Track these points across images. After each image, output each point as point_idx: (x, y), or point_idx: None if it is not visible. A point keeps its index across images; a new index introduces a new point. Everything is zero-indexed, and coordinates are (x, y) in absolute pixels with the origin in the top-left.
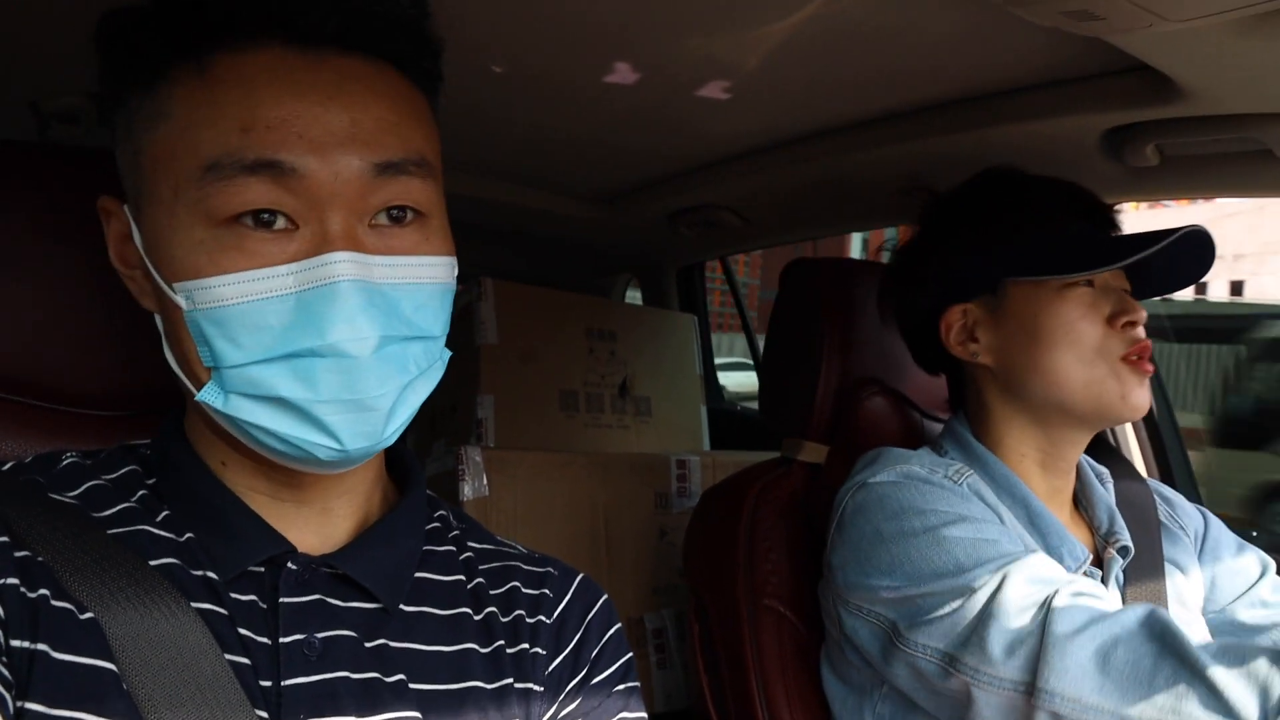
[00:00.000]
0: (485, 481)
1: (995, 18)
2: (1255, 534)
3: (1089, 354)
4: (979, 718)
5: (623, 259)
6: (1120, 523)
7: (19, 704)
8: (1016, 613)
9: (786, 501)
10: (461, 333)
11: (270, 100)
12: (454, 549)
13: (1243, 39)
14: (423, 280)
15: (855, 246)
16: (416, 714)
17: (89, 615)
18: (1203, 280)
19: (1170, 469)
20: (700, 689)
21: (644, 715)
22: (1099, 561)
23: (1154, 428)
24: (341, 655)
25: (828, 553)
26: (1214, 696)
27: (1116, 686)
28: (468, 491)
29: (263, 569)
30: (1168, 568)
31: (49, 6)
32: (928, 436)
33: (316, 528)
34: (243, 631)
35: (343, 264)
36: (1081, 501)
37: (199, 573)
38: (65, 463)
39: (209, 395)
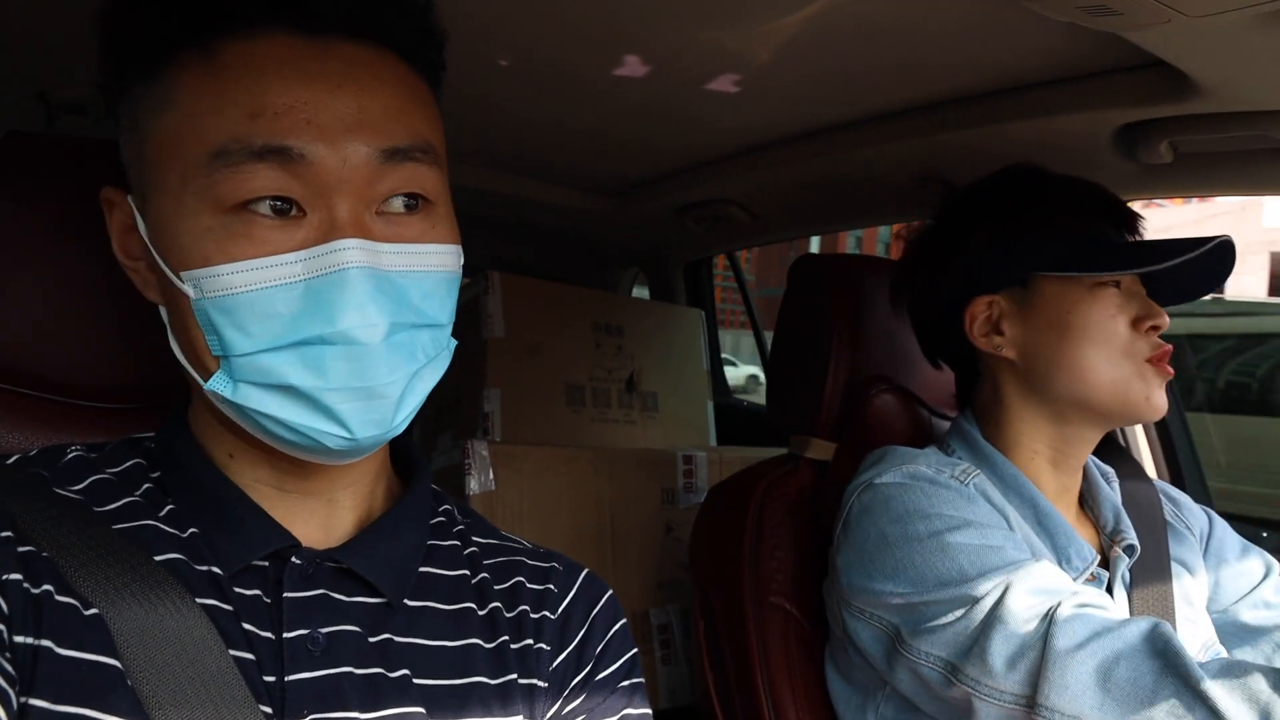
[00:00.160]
0: (491, 476)
1: (1010, 12)
2: (1265, 535)
3: (1117, 353)
4: None
5: (630, 253)
6: (1126, 521)
7: (23, 700)
8: (1019, 625)
9: (793, 498)
10: (468, 326)
11: (278, 87)
12: (458, 544)
13: (1261, 35)
14: (430, 268)
15: (849, 244)
16: (420, 709)
17: (93, 611)
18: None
19: (1180, 469)
20: (705, 685)
21: (648, 712)
22: (1105, 561)
23: (1164, 428)
24: (345, 650)
25: (833, 553)
26: (1214, 718)
27: (1117, 704)
28: (474, 486)
29: (267, 564)
30: (1174, 567)
31: None
32: (936, 434)
33: (321, 520)
34: (247, 626)
35: (352, 251)
36: (1087, 500)
37: (203, 568)
38: (70, 456)
39: (218, 384)
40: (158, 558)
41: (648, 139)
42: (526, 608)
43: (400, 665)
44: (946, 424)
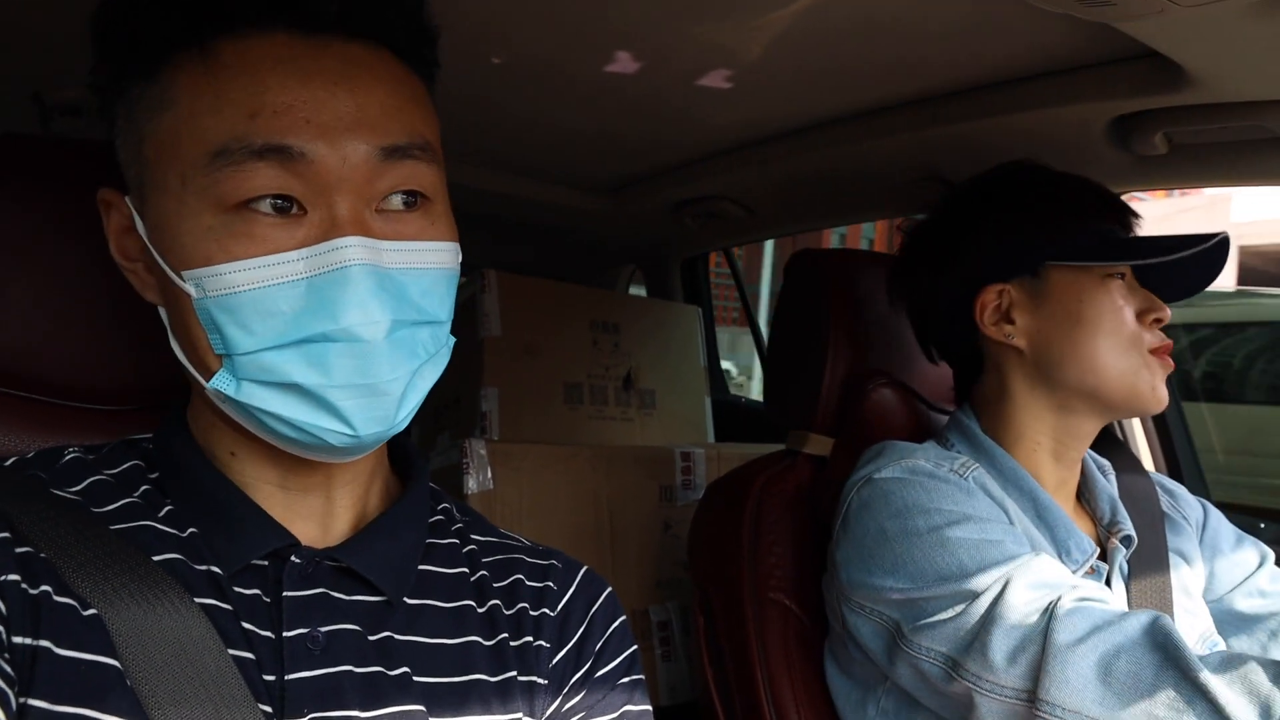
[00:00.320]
0: (490, 475)
1: (1004, 4)
2: (1263, 525)
3: (1125, 344)
4: None
5: (626, 251)
6: (1123, 512)
7: (21, 701)
8: (1019, 620)
9: (792, 494)
10: (465, 325)
11: (276, 86)
12: (457, 542)
13: (1255, 24)
14: (429, 265)
15: (832, 240)
16: (420, 707)
17: (92, 611)
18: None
19: (1178, 461)
20: (705, 682)
21: (648, 708)
22: (1103, 554)
23: (1162, 420)
24: (345, 649)
25: (832, 548)
26: (1214, 712)
27: (1118, 698)
28: (472, 485)
29: (266, 563)
30: (1172, 558)
31: None
32: (934, 429)
33: (320, 519)
34: (246, 626)
35: (353, 248)
36: (1084, 493)
37: (202, 567)
38: (67, 458)
39: (221, 383)
40: (156, 558)
41: (643, 136)
42: (526, 605)
43: (400, 663)
44: (944, 419)
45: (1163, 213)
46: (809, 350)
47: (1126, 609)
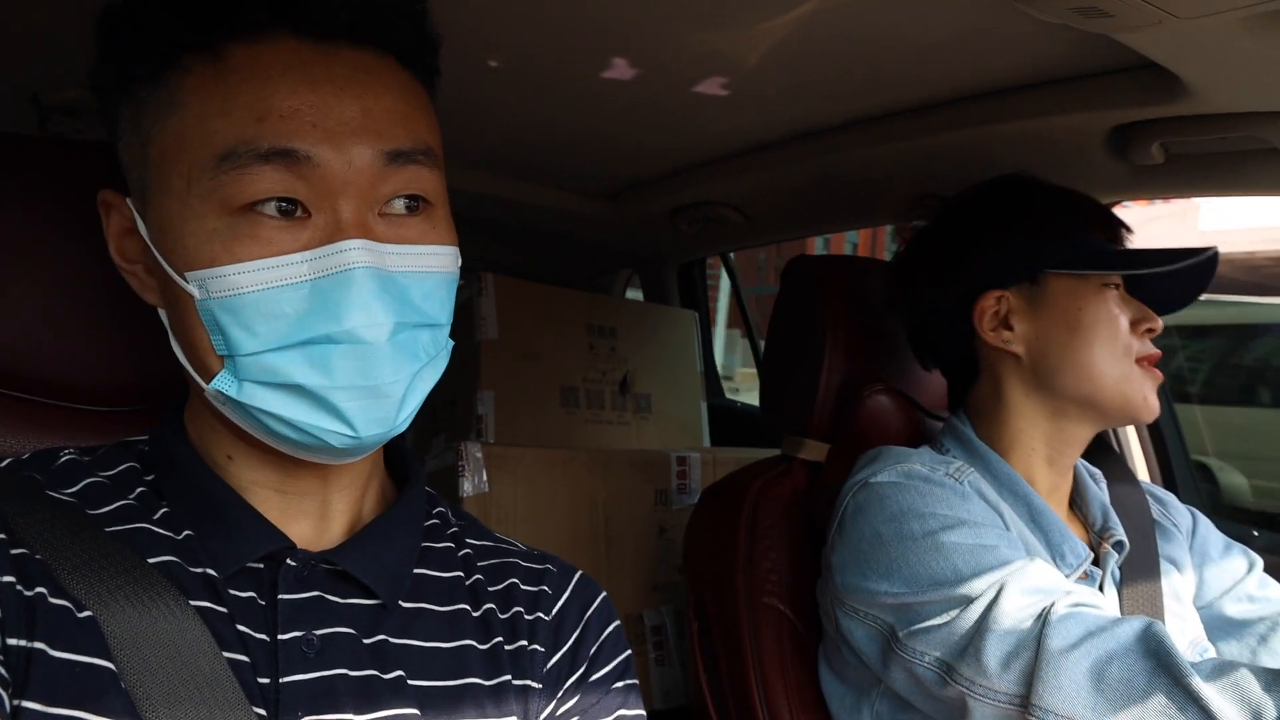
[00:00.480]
0: (485, 478)
1: (1002, 15)
2: (1256, 534)
3: (1120, 352)
4: None
5: (624, 255)
6: (1115, 519)
7: (16, 703)
8: (1013, 625)
9: (787, 499)
10: (462, 328)
11: (285, 90)
12: (452, 545)
13: (1251, 37)
14: (431, 269)
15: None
16: (415, 711)
17: (87, 613)
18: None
19: (1172, 470)
20: (699, 686)
21: (642, 713)
22: (1096, 559)
23: (1156, 429)
24: (340, 652)
25: (827, 552)
26: (1206, 719)
27: (1110, 705)
28: (468, 488)
29: (262, 566)
30: (1163, 564)
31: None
32: (929, 435)
33: (316, 522)
34: (241, 629)
35: (357, 251)
36: (1077, 500)
37: (198, 570)
38: (63, 459)
39: (222, 383)
40: (152, 560)
41: (640, 141)
42: (521, 609)
43: (395, 667)
44: (939, 425)
45: (1136, 220)
46: (805, 356)
47: (1119, 614)
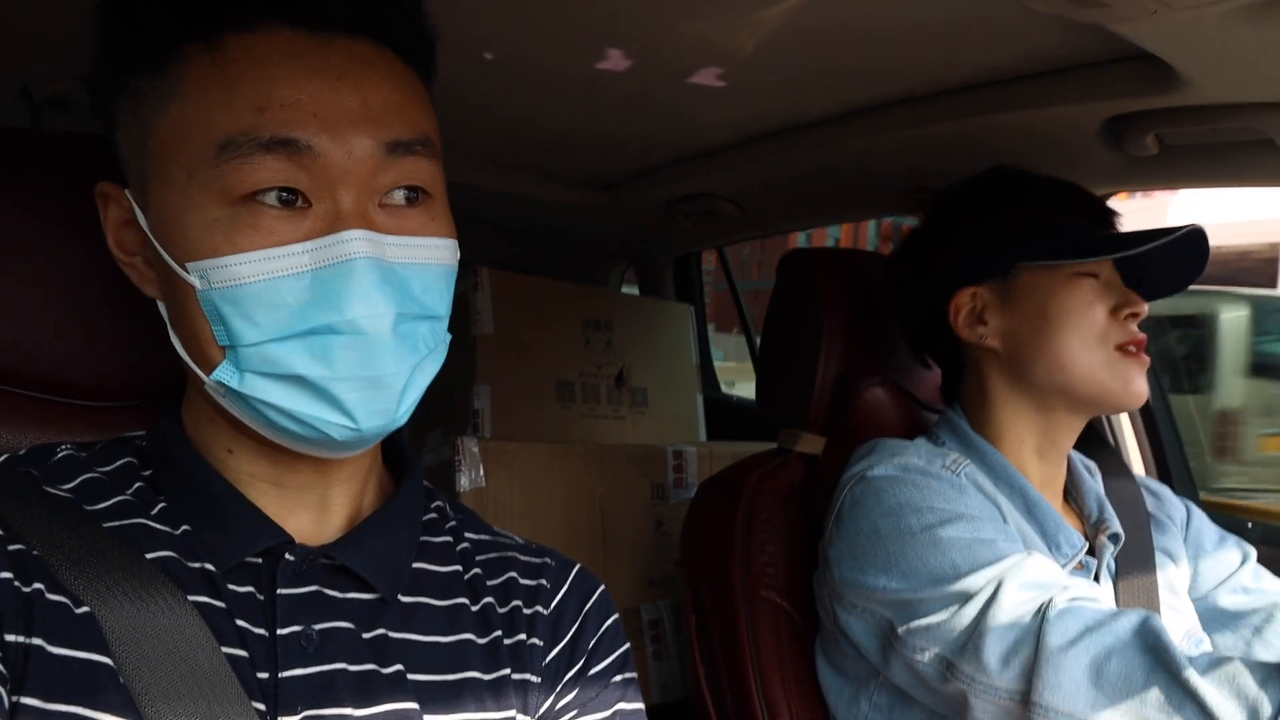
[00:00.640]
0: (482, 472)
1: (996, 5)
2: (1250, 525)
3: (1093, 340)
4: None
5: (619, 248)
6: (1110, 511)
7: (14, 698)
8: (1011, 621)
9: (784, 493)
10: (457, 322)
11: (284, 80)
12: (451, 539)
13: (1245, 27)
14: (430, 261)
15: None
16: (414, 705)
17: (85, 609)
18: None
19: (1166, 461)
20: (696, 681)
21: (641, 706)
22: (1091, 550)
23: (1151, 421)
24: (339, 647)
25: (825, 545)
26: (1203, 714)
27: (1109, 700)
28: (464, 482)
29: (260, 560)
30: (1158, 556)
31: None
32: (926, 428)
33: (315, 516)
34: (240, 623)
35: (358, 242)
36: (1071, 492)
37: (196, 565)
38: (60, 455)
39: (224, 374)
40: (150, 555)
41: (634, 133)
42: (519, 603)
43: (394, 661)
44: (935, 417)
45: None
46: (802, 349)
47: (1115, 605)
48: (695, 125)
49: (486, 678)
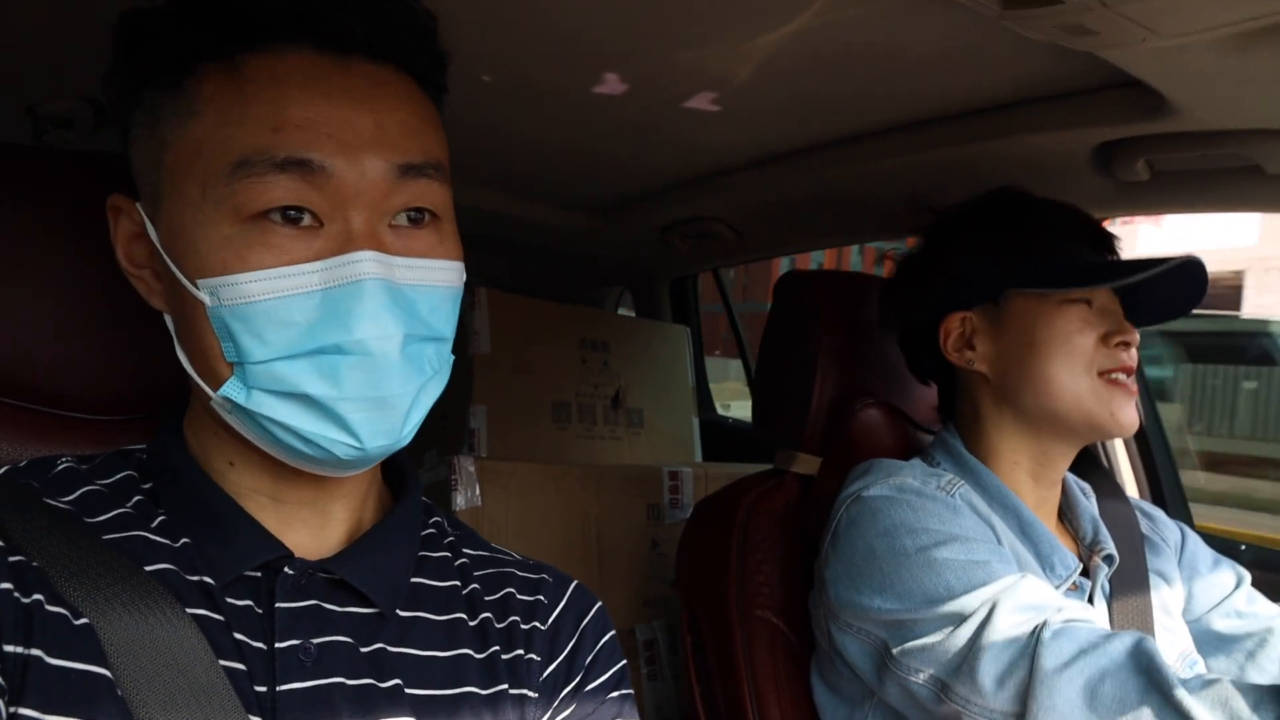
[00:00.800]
0: (478, 491)
1: (989, 33)
2: (1243, 547)
3: (1080, 368)
4: None
5: (616, 270)
6: (1105, 532)
7: (12, 709)
8: (1006, 644)
9: (779, 513)
10: (454, 342)
11: (301, 101)
12: (449, 555)
13: (1234, 55)
14: (438, 283)
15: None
16: (411, 719)
17: (83, 621)
18: None
19: (1161, 486)
20: (691, 701)
21: None
22: (1085, 571)
23: (1144, 444)
24: (337, 661)
25: (820, 565)
26: None
27: None
28: (460, 501)
29: (259, 574)
30: (1152, 578)
31: (46, 11)
32: (921, 449)
33: (315, 531)
34: (238, 637)
35: (368, 263)
36: (1066, 513)
37: (195, 578)
38: (60, 467)
39: (231, 390)
40: (149, 568)
41: (632, 157)
42: (517, 618)
43: (392, 675)
44: (930, 438)
45: None
46: (797, 370)
47: (1109, 627)
48: (692, 149)
49: (484, 693)
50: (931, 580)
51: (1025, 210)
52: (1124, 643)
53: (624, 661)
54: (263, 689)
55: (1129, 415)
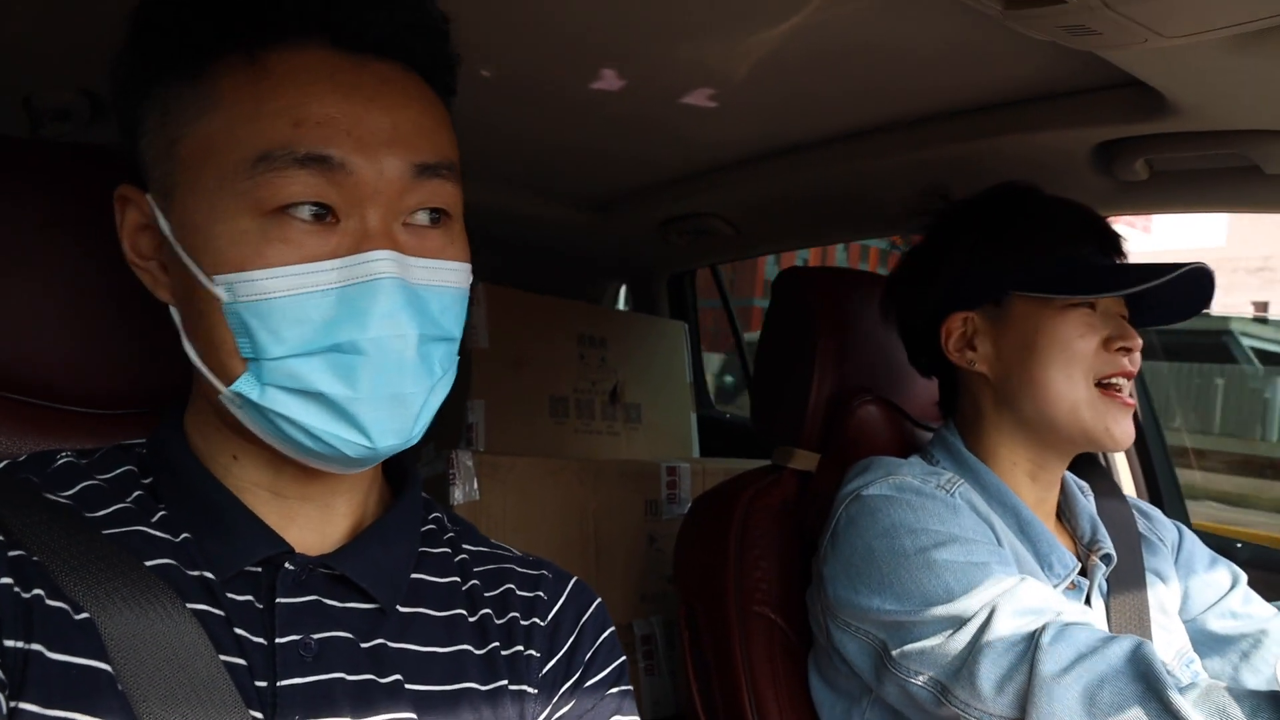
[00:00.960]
0: (476, 486)
1: (989, 32)
2: (1239, 545)
3: (1078, 375)
4: None
5: (614, 266)
6: (1103, 531)
7: (13, 704)
8: (1005, 648)
9: (777, 509)
10: None
11: (319, 97)
12: (449, 551)
13: (1234, 56)
14: (449, 284)
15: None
16: (412, 715)
17: (84, 615)
18: None
19: (1158, 485)
20: (689, 697)
21: (637, 718)
22: (1083, 570)
23: (1142, 443)
24: (337, 656)
25: (819, 562)
26: None
27: None
28: (458, 496)
29: (260, 569)
30: (1149, 577)
31: (43, 3)
32: (919, 445)
33: (316, 526)
34: (239, 632)
35: (385, 262)
36: (1064, 512)
37: (195, 573)
38: (60, 462)
39: (244, 386)
40: (149, 563)
41: (630, 153)
42: (516, 614)
43: (392, 671)
44: (929, 435)
45: None
46: (796, 367)
47: (1106, 625)
48: (690, 145)
49: (484, 688)
50: (931, 582)
51: (1030, 208)
52: (1123, 647)
53: (623, 658)
54: (263, 684)
55: (1124, 430)
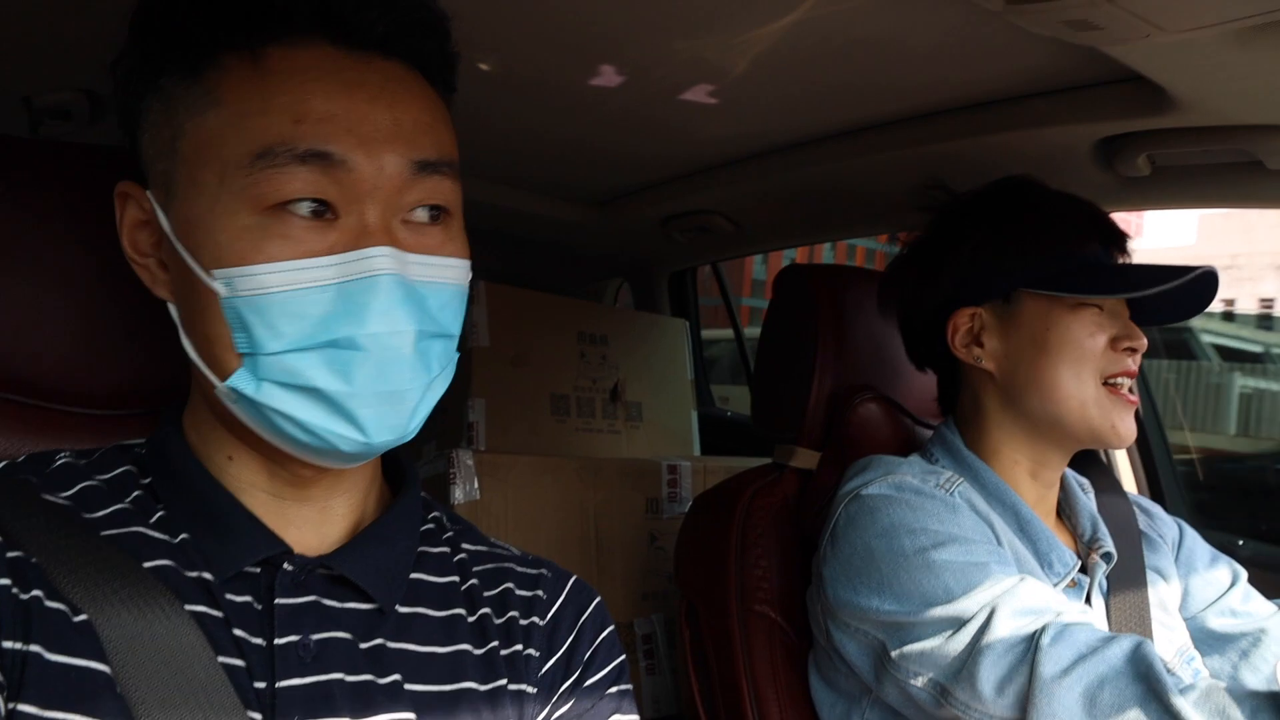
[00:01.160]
0: (476, 485)
1: (991, 26)
2: (1241, 543)
3: (1087, 373)
4: None
5: (615, 263)
6: (1103, 529)
7: (11, 706)
8: (1005, 649)
9: (778, 507)
10: None
11: (321, 94)
12: (448, 550)
13: (1237, 51)
14: (447, 280)
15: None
16: (411, 715)
17: (82, 617)
18: None
19: (1159, 481)
20: (689, 695)
21: (637, 718)
22: (1083, 568)
23: (1143, 440)
24: (336, 657)
25: (818, 561)
26: None
27: None
28: (459, 495)
29: (258, 570)
30: (1149, 575)
31: (43, 2)
32: (919, 443)
33: (314, 526)
34: (237, 633)
35: (383, 258)
36: (1065, 510)
37: (193, 574)
38: (58, 463)
39: (240, 381)
40: (148, 564)
41: (631, 149)
42: (516, 614)
43: (391, 671)
44: (929, 433)
45: None
46: (797, 364)
47: (1107, 623)
48: (691, 141)
49: (483, 688)
50: (930, 582)
51: (1038, 203)
52: (1123, 648)
53: (623, 656)
54: (262, 685)
55: (1128, 427)
